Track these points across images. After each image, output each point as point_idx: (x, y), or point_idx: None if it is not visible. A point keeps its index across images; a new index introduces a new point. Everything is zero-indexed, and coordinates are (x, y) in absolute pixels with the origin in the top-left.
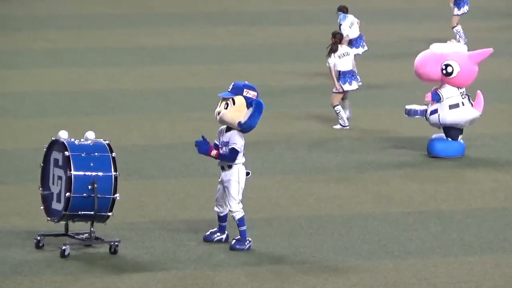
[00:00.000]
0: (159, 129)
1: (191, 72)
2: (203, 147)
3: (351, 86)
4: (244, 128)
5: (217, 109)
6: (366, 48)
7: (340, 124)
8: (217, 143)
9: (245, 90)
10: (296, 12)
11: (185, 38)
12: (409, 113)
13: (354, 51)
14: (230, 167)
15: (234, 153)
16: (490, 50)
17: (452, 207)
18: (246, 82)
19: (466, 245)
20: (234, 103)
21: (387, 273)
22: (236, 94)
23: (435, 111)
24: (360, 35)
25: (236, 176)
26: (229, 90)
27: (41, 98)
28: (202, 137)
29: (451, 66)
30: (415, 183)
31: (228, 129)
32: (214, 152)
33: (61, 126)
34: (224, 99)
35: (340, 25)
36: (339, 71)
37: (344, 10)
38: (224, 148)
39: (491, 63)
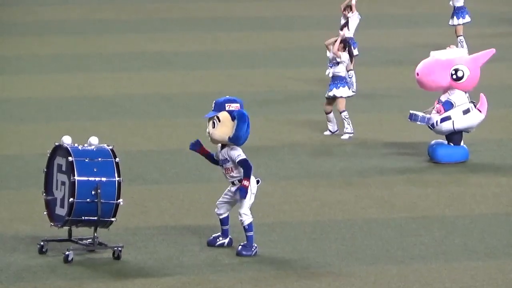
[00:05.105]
0: (163, 134)
1: (195, 77)
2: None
3: (338, 91)
4: (233, 141)
5: (207, 130)
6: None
7: (347, 133)
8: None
9: (226, 104)
10: (300, 17)
11: (190, 43)
12: (412, 118)
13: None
14: (240, 180)
15: (246, 163)
16: (492, 50)
17: (455, 212)
18: (227, 96)
19: (470, 250)
20: (219, 120)
21: (391, 278)
22: (220, 111)
23: (447, 118)
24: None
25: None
26: (212, 109)
27: (45, 104)
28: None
29: (461, 70)
30: (419, 188)
31: (223, 146)
32: (246, 182)
33: (64, 132)
34: (210, 119)
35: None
36: (332, 76)
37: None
38: (228, 164)
39: (495, 68)
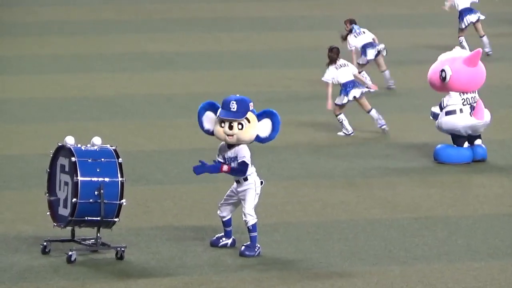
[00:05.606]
0: (165, 134)
1: (197, 77)
2: (211, 168)
3: (352, 95)
4: (265, 141)
5: (227, 131)
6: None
7: (344, 133)
8: (220, 160)
9: (250, 104)
10: (302, 17)
11: (191, 43)
12: (434, 116)
13: (362, 59)
14: (246, 179)
15: (245, 166)
16: (478, 50)
17: (458, 212)
18: (238, 95)
19: (473, 251)
20: (249, 121)
21: (394, 278)
22: (246, 112)
23: (437, 117)
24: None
25: (253, 185)
26: (235, 110)
27: (47, 104)
28: (200, 161)
29: (444, 71)
30: (422, 189)
31: (231, 144)
32: (226, 167)
33: (65, 132)
34: (235, 120)
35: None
36: (340, 84)
37: (355, 22)
38: (234, 163)
39: (495, 68)
